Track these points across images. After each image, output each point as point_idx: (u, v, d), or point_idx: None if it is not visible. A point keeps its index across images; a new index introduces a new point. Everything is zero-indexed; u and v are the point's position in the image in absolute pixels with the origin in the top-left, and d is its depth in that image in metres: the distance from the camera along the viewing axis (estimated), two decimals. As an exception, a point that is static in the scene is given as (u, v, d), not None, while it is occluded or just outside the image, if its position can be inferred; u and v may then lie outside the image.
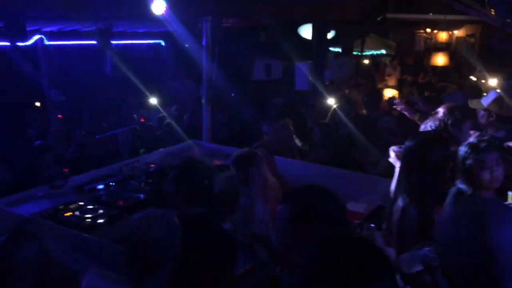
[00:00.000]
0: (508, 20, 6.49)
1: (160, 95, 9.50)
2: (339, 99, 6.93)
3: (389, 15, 16.23)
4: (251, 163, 3.56)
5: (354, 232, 3.01)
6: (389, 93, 12.41)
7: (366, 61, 16.10)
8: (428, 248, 1.80)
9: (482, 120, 3.82)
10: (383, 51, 17.70)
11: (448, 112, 3.32)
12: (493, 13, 6.62)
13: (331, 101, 6.67)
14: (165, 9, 4.92)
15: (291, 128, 4.78)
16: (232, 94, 6.95)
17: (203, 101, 6.14)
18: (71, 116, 7.75)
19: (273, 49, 8.10)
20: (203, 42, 5.86)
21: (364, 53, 16.78)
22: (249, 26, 8.29)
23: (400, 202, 2.56)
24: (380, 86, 13.34)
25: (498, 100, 3.70)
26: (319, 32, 8.46)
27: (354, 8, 8.35)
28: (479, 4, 7.26)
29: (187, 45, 6.00)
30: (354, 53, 17.14)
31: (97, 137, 6.55)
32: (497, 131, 3.72)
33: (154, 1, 4.81)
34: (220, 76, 5.93)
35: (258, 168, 3.56)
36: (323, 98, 7.42)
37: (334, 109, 6.08)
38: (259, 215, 3.45)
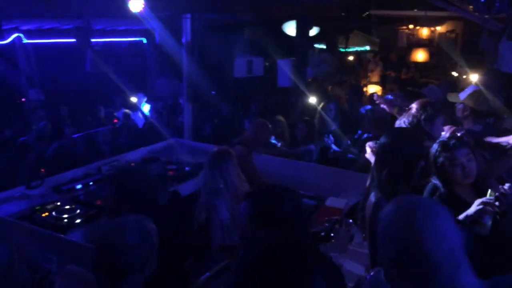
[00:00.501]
0: (487, 16, 6.57)
1: (143, 93, 9.46)
2: (321, 96, 6.95)
3: (372, 12, 16.33)
4: (219, 162, 3.54)
5: (312, 234, 3.03)
6: (372, 89, 12.51)
7: (351, 58, 16.20)
8: None
9: (459, 114, 3.88)
10: (367, 48, 17.83)
11: (421, 107, 3.36)
12: (471, 9, 6.69)
13: (313, 99, 6.69)
14: (143, 6, 4.85)
15: (270, 126, 4.78)
16: (213, 92, 6.93)
17: (183, 98, 6.12)
18: (54, 115, 7.66)
19: (255, 46, 8.09)
20: (183, 40, 5.82)
21: (348, 50, 16.88)
22: (231, 23, 8.25)
23: (372, 198, 2.57)
24: (364, 82, 13.43)
25: (474, 94, 3.75)
26: (301, 29, 8.45)
27: (335, 4, 8.35)
28: (460, 1, 7.34)
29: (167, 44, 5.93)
30: (339, 49, 17.24)
31: (73, 136, 6.47)
32: (474, 125, 3.77)
33: (131, -1, 4.71)
34: (201, 73, 5.89)
35: (222, 168, 3.55)
36: (305, 95, 7.43)
37: (322, 106, 6.10)
38: (219, 215, 3.45)
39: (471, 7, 6.66)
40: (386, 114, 5.33)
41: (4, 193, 4.12)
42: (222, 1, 6.08)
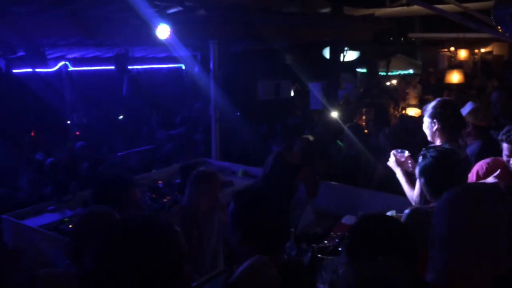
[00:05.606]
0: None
1: (180, 116, 9.90)
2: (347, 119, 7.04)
3: (413, 35, 16.24)
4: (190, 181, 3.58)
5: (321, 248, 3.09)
6: (411, 111, 12.35)
7: (394, 81, 16.10)
8: None
9: None
10: (411, 71, 17.67)
11: None
12: (500, 30, 6.59)
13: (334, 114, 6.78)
14: (169, 33, 5.11)
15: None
16: (238, 113, 7.18)
17: (212, 120, 6.38)
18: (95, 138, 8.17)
19: (284, 68, 8.30)
20: (211, 66, 6.09)
21: (390, 73, 16.80)
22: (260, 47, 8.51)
23: None
24: (402, 105, 13.28)
25: (473, 111, 3.82)
26: (332, 52, 8.63)
27: (366, 29, 8.45)
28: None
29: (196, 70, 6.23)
30: (380, 73, 17.20)
31: (118, 154, 6.90)
32: (475, 140, 3.88)
33: (158, 26, 4.99)
34: (228, 97, 6.13)
35: (193, 188, 3.54)
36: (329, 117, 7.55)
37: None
38: None
39: (499, 28, 6.56)
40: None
41: (38, 206, 4.52)
42: (250, 28, 6.30)
